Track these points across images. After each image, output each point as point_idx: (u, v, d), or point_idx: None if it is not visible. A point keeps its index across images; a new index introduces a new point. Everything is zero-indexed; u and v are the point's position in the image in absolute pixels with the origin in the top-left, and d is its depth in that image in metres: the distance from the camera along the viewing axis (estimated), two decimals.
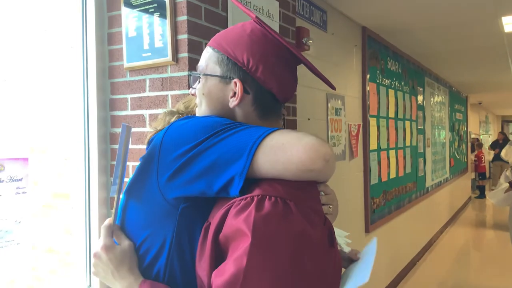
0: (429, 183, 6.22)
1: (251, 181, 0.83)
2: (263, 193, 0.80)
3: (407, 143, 5.20)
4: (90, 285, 1.70)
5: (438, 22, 3.93)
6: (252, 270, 0.74)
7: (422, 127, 5.95)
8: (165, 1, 1.63)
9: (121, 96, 1.77)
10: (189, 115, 1.03)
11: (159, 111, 1.67)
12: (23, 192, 1.48)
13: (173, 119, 1.06)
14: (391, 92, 4.67)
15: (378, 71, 4.28)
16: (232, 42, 0.93)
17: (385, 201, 4.34)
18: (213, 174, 0.83)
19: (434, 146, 6.75)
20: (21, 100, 2.59)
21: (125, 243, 0.93)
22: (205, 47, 1.00)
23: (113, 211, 0.96)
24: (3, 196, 1.43)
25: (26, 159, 1.49)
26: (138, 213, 0.92)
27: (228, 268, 0.76)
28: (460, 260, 5.96)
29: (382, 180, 4.28)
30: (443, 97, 7.54)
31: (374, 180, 4.06)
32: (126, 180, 1.04)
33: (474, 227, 8.04)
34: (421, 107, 5.93)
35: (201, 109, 0.99)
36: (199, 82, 0.98)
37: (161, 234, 0.90)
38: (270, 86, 0.92)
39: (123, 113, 1.77)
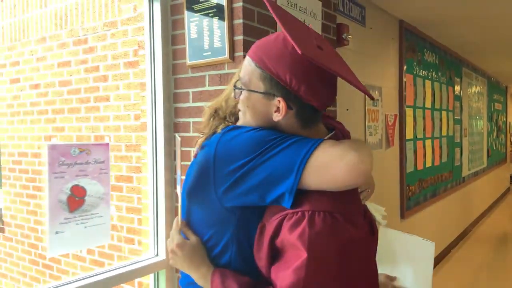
0: (465, 172, 6.25)
1: (299, 190, 0.94)
2: (313, 208, 0.92)
3: (444, 133, 5.27)
4: (157, 255, 1.97)
5: (475, 13, 3.98)
6: (310, 279, 0.89)
7: (459, 117, 5.99)
8: (223, 6, 1.85)
9: (184, 90, 2.02)
10: (235, 125, 1.09)
11: None
12: (105, 173, 1.72)
13: (220, 127, 1.14)
14: (428, 83, 4.76)
15: (415, 63, 4.38)
16: (274, 59, 0.96)
17: (420, 189, 4.46)
18: (265, 189, 0.94)
19: (472, 136, 6.76)
20: (97, 95, 2.90)
21: (193, 238, 1.09)
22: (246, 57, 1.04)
23: (179, 209, 1.16)
24: (89, 176, 1.68)
25: (107, 145, 1.74)
26: (202, 216, 1.08)
27: (288, 275, 0.90)
28: (496, 250, 5.99)
29: (418, 169, 4.41)
30: (481, 87, 7.49)
31: (409, 168, 4.19)
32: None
33: (511, 219, 7.97)
34: (458, 98, 5.96)
35: (246, 119, 1.05)
36: (242, 93, 1.04)
37: (225, 233, 1.04)
38: (312, 102, 0.97)
39: (186, 105, 2.01)
